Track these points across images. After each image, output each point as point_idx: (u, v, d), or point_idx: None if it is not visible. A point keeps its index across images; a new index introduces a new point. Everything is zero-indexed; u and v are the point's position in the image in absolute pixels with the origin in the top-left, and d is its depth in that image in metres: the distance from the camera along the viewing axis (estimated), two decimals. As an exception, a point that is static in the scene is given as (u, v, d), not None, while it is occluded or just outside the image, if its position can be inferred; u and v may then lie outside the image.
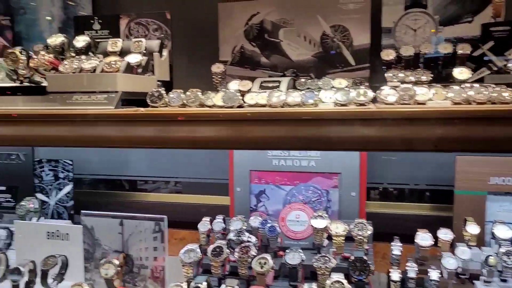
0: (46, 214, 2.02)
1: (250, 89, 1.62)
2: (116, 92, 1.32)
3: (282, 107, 1.22)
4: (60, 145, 1.35)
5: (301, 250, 1.39)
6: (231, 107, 1.23)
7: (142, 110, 1.25)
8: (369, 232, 1.49)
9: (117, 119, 1.26)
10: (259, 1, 1.96)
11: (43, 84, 1.54)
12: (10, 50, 1.42)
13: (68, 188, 2.05)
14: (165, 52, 1.66)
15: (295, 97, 1.24)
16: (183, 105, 1.31)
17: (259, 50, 1.98)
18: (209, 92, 1.40)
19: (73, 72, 1.37)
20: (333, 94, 1.27)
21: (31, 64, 1.40)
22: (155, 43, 1.61)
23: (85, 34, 1.84)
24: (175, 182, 2.32)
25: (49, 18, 2.19)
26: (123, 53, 1.59)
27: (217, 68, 1.85)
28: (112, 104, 1.29)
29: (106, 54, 1.61)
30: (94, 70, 1.37)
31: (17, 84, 1.46)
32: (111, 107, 1.29)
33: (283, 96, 1.24)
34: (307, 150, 1.75)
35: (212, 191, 2.23)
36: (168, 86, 1.70)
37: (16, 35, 2.20)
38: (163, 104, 1.29)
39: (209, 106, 1.32)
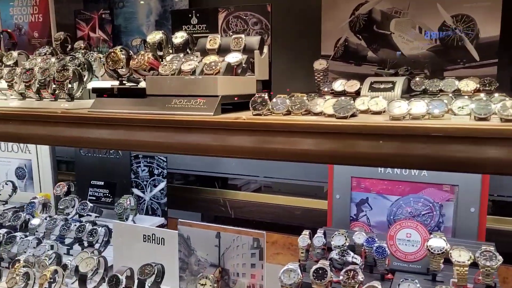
0: (141, 210, 2.02)
1: (358, 90, 1.45)
2: (216, 96, 1.22)
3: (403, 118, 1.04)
4: (157, 151, 1.29)
5: (417, 281, 1.22)
6: (344, 117, 1.08)
7: (244, 118, 1.14)
8: (499, 263, 1.27)
9: (217, 127, 1.16)
10: (368, -12, 1.76)
11: (141, 86, 1.50)
12: (111, 50, 1.38)
13: (162, 184, 2.03)
14: (265, 49, 1.53)
15: (420, 107, 1.06)
16: (288, 112, 1.18)
17: (365, 44, 1.79)
18: (316, 97, 1.26)
19: (172, 74, 1.30)
20: (465, 103, 1.06)
21: (131, 65, 1.35)
22: (255, 40, 1.50)
23: (182, 29, 1.78)
24: (268, 181, 2.22)
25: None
26: (221, 50, 1.50)
27: (319, 64, 1.69)
28: (211, 109, 1.20)
29: (204, 51, 1.53)
30: (194, 72, 1.29)
31: (116, 85, 1.43)
32: (210, 113, 1.19)
33: (405, 106, 1.06)
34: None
35: (307, 193, 2.10)
36: (266, 85, 1.58)
37: (115, 29, 2.21)
38: (267, 111, 1.17)
39: (316, 114, 1.18)
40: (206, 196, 2.24)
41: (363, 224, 1.73)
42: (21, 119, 1.43)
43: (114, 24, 2.19)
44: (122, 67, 1.41)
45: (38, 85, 1.48)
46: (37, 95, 1.50)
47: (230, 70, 1.33)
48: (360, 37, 1.80)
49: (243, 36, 1.48)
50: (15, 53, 1.73)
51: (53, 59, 1.65)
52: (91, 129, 1.32)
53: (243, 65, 1.39)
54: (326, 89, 1.54)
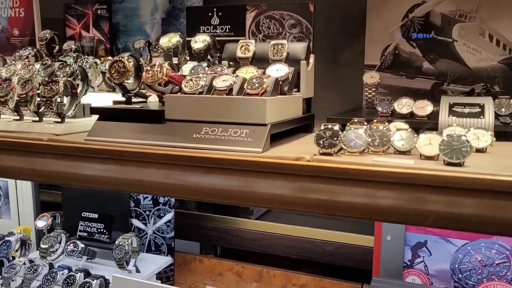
0: (142, 245, 1.68)
1: (430, 114, 1.15)
2: (264, 125, 0.90)
3: None
4: (180, 197, 0.96)
5: None
6: (457, 164, 0.76)
7: (308, 158, 0.82)
8: None
9: (269, 170, 0.84)
10: (426, -14, 1.45)
11: (152, 103, 1.17)
12: (116, 59, 1.04)
13: (169, 216, 1.69)
14: (311, 59, 1.21)
15: None
16: (364, 151, 0.86)
17: (420, 52, 1.48)
18: (387, 125, 0.94)
19: (200, 92, 0.97)
20: None
21: (144, 79, 1.01)
22: (300, 47, 1.17)
23: (200, 30, 1.44)
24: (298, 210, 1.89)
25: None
26: (256, 59, 1.17)
27: (370, 78, 1.38)
28: (258, 143, 0.88)
29: (233, 60, 1.21)
30: (230, 90, 0.96)
31: (121, 102, 1.09)
32: (257, 148, 0.87)
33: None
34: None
35: (348, 227, 1.78)
36: (308, 103, 1.26)
37: (113, 27, 1.86)
38: (339, 150, 0.85)
39: (402, 152, 0.87)
40: (217, 225, 1.91)
41: (420, 273, 1.42)
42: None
43: (111, 22, 1.84)
44: (129, 80, 1.08)
45: (17, 100, 1.14)
46: (15, 114, 1.15)
47: (276, 87, 1.01)
48: (415, 44, 1.49)
49: (285, 42, 1.15)
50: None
51: (37, 66, 1.30)
52: (89, 164, 0.99)
53: (289, 80, 1.07)
54: (383, 110, 1.23)
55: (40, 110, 1.14)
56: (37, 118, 1.14)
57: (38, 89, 1.12)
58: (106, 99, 1.36)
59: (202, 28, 1.44)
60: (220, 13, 1.42)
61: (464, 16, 1.43)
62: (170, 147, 0.93)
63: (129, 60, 1.06)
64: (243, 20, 1.41)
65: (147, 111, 1.00)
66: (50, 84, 1.10)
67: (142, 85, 1.08)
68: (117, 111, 1.02)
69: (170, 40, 1.23)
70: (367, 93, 1.35)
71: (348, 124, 0.90)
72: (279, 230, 1.83)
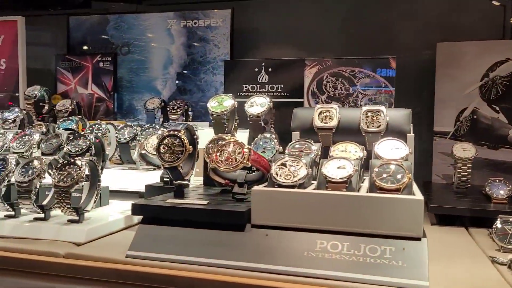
0: None
1: None
2: (418, 239, 0.59)
3: None
4: None
5: None
6: None
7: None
8: None
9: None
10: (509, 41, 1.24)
11: (237, 207, 0.83)
12: (170, 131, 0.72)
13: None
14: (410, 127, 0.93)
15: None
16: None
17: (506, 118, 1.24)
18: None
19: (300, 185, 0.65)
20: None
21: (214, 162, 0.69)
22: (403, 116, 0.89)
23: (243, 89, 1.14)
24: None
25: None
26: (339, 129, 0.89)
27: (463, 150, 1.11)
28: (421, 273, 0.56)
29: (308, 130, 0.91)
30: (349, 181, 0.65)
31: (171, 197, 0.76)
32: (424, 282, 0.56)
33: None
34: None
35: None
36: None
37: (117, 82, 1.54)
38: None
39: None
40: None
41: None
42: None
43: (116, 76, 1.52)
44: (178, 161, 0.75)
45: (18, 190, 0.79)
46: (9, 209, 0.79)
47: (405, 175, 0.71)
48: (498, 108, 1.25)
49: (382, 108, 0.87)
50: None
51: (36, 136, 0.96)
52: (133, 296, 0.64)
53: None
54: (501, 195, 0.95)
55: (45, 203, 0.79)
56: (42, 215, 0.78)
57: (44, 174, 0.77)
58: (126, 179, 1.02)
59: (246, 87, 1.15)
60: (270, 69, 1.14)
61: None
62: (261, 272, 0.60)
63: (185, 134, 0.74)
64: (301, 77, 1.12)
65: (222, 212, 0.67)
66: (67, 168, 0.76)
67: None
68: (173, 212, 0.68)
69: (221, 103, 0.93)
70: (460, 170, 1.08)
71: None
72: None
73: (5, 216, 0.80)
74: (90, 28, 1.62)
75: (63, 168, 0.77)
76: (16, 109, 1.25)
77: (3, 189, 0.78)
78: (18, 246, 0.71)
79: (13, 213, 0.80)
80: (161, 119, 1.40)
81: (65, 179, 0.75)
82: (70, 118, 1.20)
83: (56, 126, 1.17)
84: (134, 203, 0.71)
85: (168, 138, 0.73)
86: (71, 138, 0.93)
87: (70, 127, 1.16)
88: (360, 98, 1.10)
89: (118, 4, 1.65)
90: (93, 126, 1.10)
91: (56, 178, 0.75)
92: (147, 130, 1.07)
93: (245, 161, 0.68)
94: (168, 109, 1.37)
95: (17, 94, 1.53)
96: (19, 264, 0.69)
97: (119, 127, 1.10)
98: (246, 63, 1.20)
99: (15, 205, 0.80)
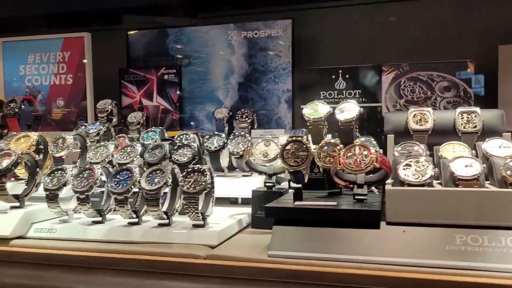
0: None
1: None
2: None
3: None
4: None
5: None
6: None
7: None
8: None
9: None
10: None
11: (371, 206, 0.87)
12: (291, 138, 0.76)
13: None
14: (502, 130, 0.97)
15: None
16: None
17: None
18: None
19: (428, 184, 0.69)
20: None
21: (342, 165, 0.73)
22: (496, 116, 0.93)
23: (321, 97, 1.19)
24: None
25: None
26: (434, 132, 0.92)
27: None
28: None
29: (401, 133, 0.95)
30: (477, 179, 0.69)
31: (302, 201, 0.80)
32: None
33: None
34: None
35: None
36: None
37: (184, 93, 1.58)
38: None
39: None
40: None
41: None
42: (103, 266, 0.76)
43: (181, 87, 1.57)
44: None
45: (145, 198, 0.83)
46: (132, 216, 0.84)
47: None
48: None
49: (477, 109, 0.91)
50: (70, 138, 1.06)
51: (138, 147, 1.00)
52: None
53: None
54: None
55: (165, 209, 0.83)
56: (165, 220, 0.83)
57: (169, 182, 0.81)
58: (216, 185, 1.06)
59: (323, 93, 1.19)
60: (347, 75, 1.18)
61: None
62: (401, 265, 0.64)
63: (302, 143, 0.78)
64: (379, 83, 1.16)
65: (360, 212, 0.71)
66: (192, 175, 0.80)
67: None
68: (309, 213, 0.72)
69: (316, 110, 0.97)
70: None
71: None
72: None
73: (128, 223, 0.85)
74: (150, 42, 1.67)
75: (188, 176, 0.81)
76: (97, 123, 1.29)
77: (130, 198, 0.83)
78: (155, 250, 0.76)
79: (136, 220, 0.85)
80: (226, 128, 1.45)
81: (193, 186, 0.79)
82: (152, 129, 1.24)
83: (141, 137, 1.22)
84: (267, 206, 0.75)
85: (291, 144, 0.77)
86: (176, 147, 0.97)
87: (153, 138, 1.21)
88: (438, 101, 1.14)
89: (176, 19, 1.70)
90: (181, 136, 1.15)
91: (184, 185, 0.79)
92: (236, 138, 1.11)
93: (375, 163, 0.72)
94: (236, 118, 1.41)
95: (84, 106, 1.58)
96: (164, 266, 0.73)
97: (207, 137, 1.14)
98: (322, 70, 1.24)
99: (138, 212, 0.85)
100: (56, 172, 0.88)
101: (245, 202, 1.05)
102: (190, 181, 0.80)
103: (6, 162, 0.87)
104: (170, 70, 1.57)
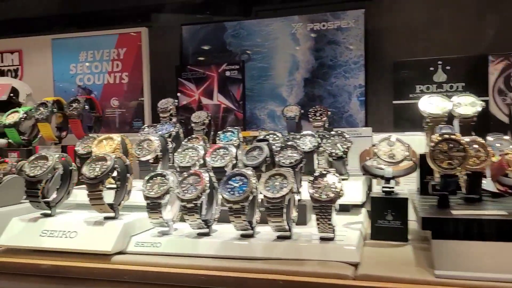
0: None
1: None
2: None
3: None
4: None
5: None
6: None
7: None
8: None
9: None
10: None
11: None
12: (442, 137, 0.66)
13: None
14: None
15: None
16: None
17: None
18: None
19: None
20: None
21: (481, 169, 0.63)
22: None
23: (415, 90, 1.08)
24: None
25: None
26: None
27: None
28: None
29: None
30: None
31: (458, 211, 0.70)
32: None
33: None
34: None
35: None
36: None
37: (247, 91, 1.48)
38: None
39: None
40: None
41: None
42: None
43: (244, 85, 1.47)
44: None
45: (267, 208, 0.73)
46: (247, 227, 0.73)
47: None
48: None
49: None
50: (156, 140, 0.96)
51: (232, 149, 0.90)
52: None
53: None
54: None
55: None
56: (287, 232, 0.72)
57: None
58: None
59: (420, 87, 1.08)
60: (447, 67, 1.07)
61: None
62: None
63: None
64: (485, 74, 1.06)
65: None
66: (320, 180, 0.70)
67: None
68: (483, 224, 0.61)
69: (439, 106, 0.86)
70: None
71: None
72: None
73: (242, 236, 0.75)
74: (205, 37, 1.57)
75: (315, 181, 0.71)
76: (167, 124, 1.20)
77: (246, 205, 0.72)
78: (286, 268, 0.65)
79: (251, 232, 0.74)
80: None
81: (326, 194, 0.69)
82: (229, 129, 1.14)
83: (218, 138, 1.12)
84: (424, 217, 0.64)
85: (443, 143, 0.67)
86: (252, 148, 0.88)
87: (232, 139, 1.11)
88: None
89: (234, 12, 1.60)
90: (267, 137, 1.04)
91: (314, 192, 0.69)
92: (332, 138, 1.00)
93: None
94: (309, 115, 1.31)
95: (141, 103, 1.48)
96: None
97: (297, 137, 1.04)
98: (418, 62, 1.13)
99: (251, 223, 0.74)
100: (155, 178, 0.78)
101: (342, 209, 0.95)
102: (318, 187, 0.70)
103: (102, 168, 0.77)
104: (232, 66, 1.47)
